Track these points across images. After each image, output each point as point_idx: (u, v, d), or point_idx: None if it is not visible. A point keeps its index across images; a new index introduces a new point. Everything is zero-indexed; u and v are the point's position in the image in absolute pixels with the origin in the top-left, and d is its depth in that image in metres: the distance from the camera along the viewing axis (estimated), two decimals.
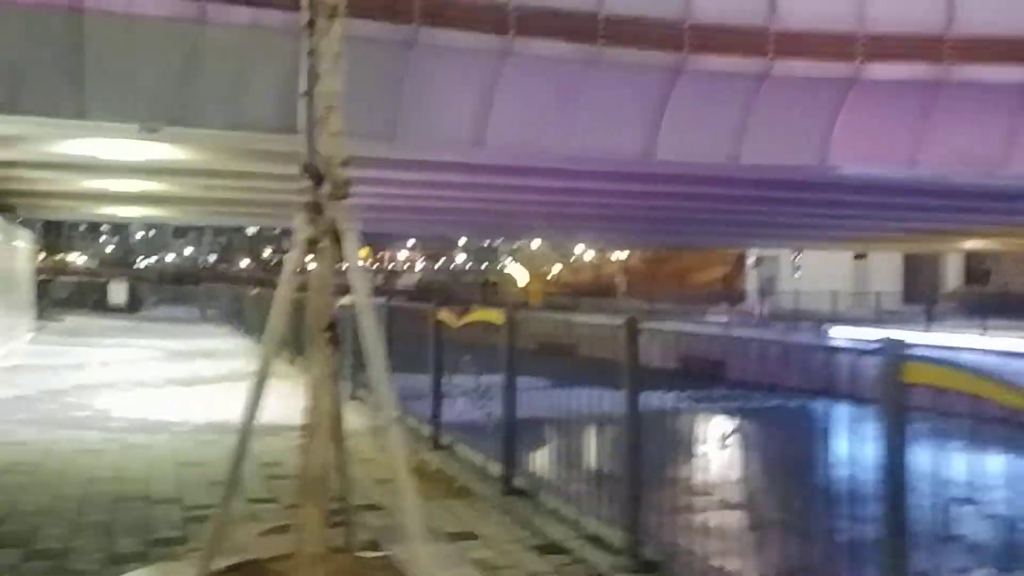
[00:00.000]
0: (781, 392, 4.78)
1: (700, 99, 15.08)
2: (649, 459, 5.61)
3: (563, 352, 7.17)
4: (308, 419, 3.90)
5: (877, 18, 15.33)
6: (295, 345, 11.36)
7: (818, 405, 4.41)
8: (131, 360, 18.96)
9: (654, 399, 5.59)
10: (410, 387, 8.99)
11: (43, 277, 36.04)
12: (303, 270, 4.03)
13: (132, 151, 15.27)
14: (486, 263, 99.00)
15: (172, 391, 13.94)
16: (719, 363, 5.07)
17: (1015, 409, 3.33)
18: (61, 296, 42.21)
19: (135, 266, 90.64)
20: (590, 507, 6.06)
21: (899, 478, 3.76)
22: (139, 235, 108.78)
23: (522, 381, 7.41)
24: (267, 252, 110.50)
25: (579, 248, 70.82)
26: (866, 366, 3.90)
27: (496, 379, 7.75)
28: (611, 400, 5.91)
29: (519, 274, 77.42)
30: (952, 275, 44.18)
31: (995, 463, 3.97)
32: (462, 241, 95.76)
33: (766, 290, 41.97)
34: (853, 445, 4.09)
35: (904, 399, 3.73)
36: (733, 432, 5.29)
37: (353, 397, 10.74)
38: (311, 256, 3.93)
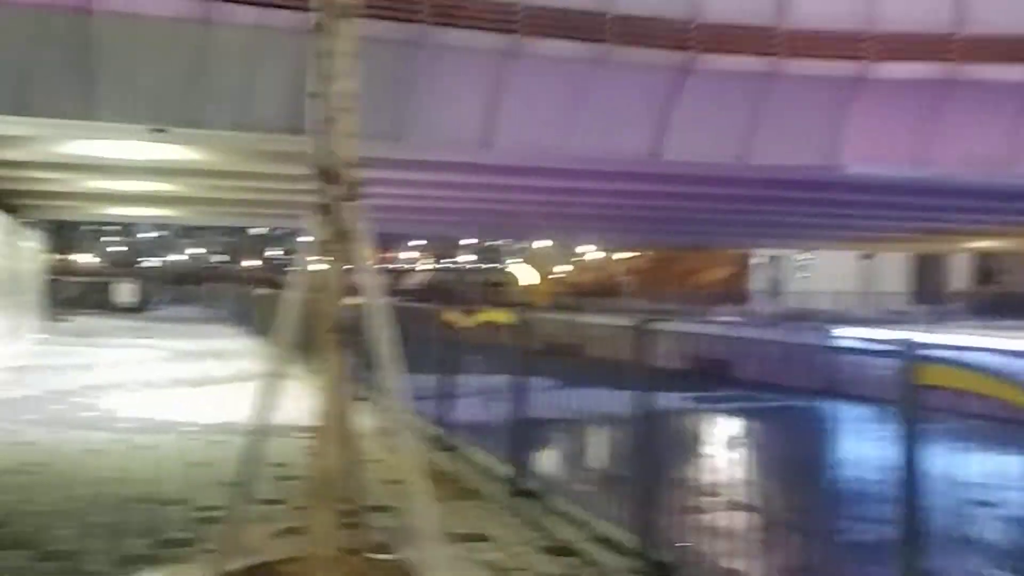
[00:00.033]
0: (792, 393, 4.75)
1: (708, 99, 15.03)
2: (660, 460, 5.59)
3: (572, 353, 7.15)
4: (319, 421, 3.88)
5: (886, 17, 15.27)
6: (302, 345, 11.36)
7: (831, 407, 4.38)
8: (139, 360, 18.99)
9: (664, 400, 5.57)
10: (417, 387, 8.97)
11: (51, 277, 36.08)
12: (313, 271, 4.01)
13: (139, 151, 15.26)
14: (491, 263, 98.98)
15: (180, 391, 13.95)
16: (730, 364, 5.04)
17: None
18: (69, 296, 42.28)
19: (142, 266, 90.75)
20: (600, 509, 6.04)
21: (915, 480, 3.73)
22: (146, 235, 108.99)
23: (531, 382, 7.39)
24: (273, 252, 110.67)
25: (584, 248, 70.74)
26: (882, 367, 3.87)
27: (504, 380, 7.74)
28: (621, 401, 5.89)
29: (524, 274, 77.37)
30: (959, 275, 44.05)
31: (1012, 465, 3.94)
32: (467, 241, 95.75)
33: (772, 290, 41.88)
34: (868, 446, 4.06)
35: (920, 401, 3.71)
36: (741, 432, 5.27)
37: (359, 398, 10.74)
38: (323, 257, 3.92)
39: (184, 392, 13.90)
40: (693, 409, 5.62)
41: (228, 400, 12.83)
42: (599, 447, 6.51)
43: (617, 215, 25.84)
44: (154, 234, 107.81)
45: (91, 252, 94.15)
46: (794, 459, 5.31)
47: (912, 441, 3.75)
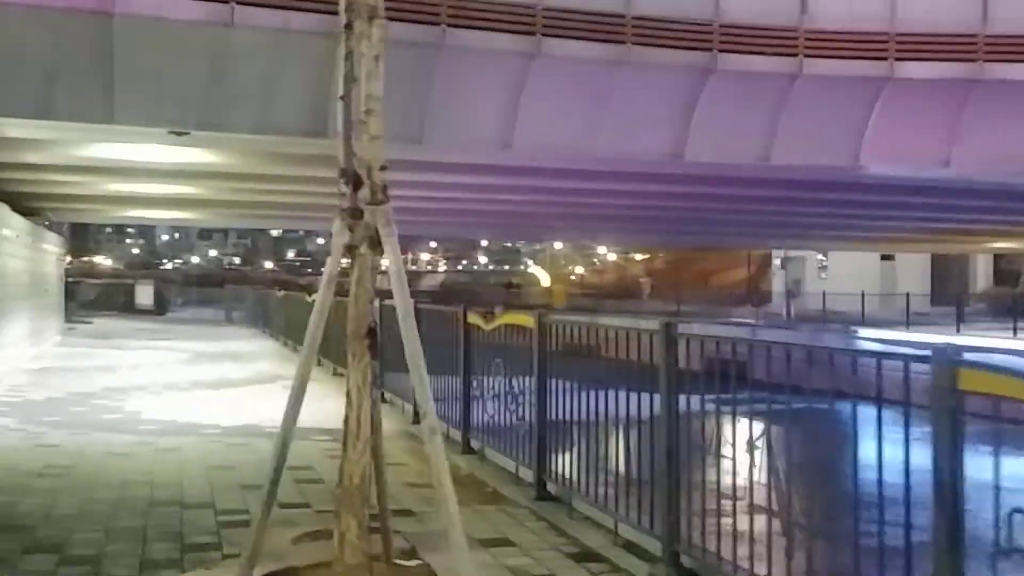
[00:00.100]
0: (820, 396, 4.69)
1: (730, 99, 14.94)
2: (686, 464, 5.54)
3: (595, 355, 7.09)
4: (347, 427, 3.85)
5: (909, 17, 15.14)
6: (323, 347, 11.35)
7: (864, 411, 4.31)
8: (159, 362, 19.06)
9: (690, 402, 5.51)
10: (438, 390, 8.93)
11: (71, 279, 36.32)
12: (340, 275, 3.98)
13: (160, 154, 15.31)
14: (508, 264, 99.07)
15: (200, 393, 13.98)
16: (759, 367, 4.98)
17: None
18: (88, 298, 42.59)
19: (160, 268, 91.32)
20: (625, 513, 5.98)
21: (956, 487, 3.66)
22: (165, 237, 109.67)
23: (553, 384, 7.34)
24: (291, 254, 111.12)
25: (602, 249, 70.70)
26: (921, 372, 3.81)
27: (526, 382, 7.70)
28: (645, 403, 5.84)
29: (542, 275, 77.36)
30: (980, 276, 43.72)
31: None
32: (485, 242, 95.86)
33: (793, 291, 41.67)
34: (905, 452, 3.99)
35: (959, 407, 3.64)
36: (769, 436, 5.21)
37: (381, 400, 10.72)
38: (350, 261, 3.89)
39: (204, 394, 13.93)
40: (719, 412, 5.55)
41: (248, 402, 12.86)
42: (623, 450, 6.44)
43: (637, 216, 25.76)
44: (174, 236, 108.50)
45: (110, 254, 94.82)
46: (825, 464, 5.24)
47: (953, 447, 3.69)
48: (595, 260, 78.19)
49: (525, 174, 17.77)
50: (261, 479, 7.71)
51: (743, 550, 4.98)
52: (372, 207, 3.82)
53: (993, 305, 35.86)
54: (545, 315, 7.64)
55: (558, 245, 69.17)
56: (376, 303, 4.26)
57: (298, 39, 12.67)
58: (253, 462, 8.63)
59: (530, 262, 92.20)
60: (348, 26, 3.88)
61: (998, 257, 41.88)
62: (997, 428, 3.88)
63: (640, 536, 5.76)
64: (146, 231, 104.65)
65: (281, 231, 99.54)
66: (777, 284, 50.43)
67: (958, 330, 29.30)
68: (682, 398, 5.47)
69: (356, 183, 3.87)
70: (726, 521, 5.15)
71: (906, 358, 3.89)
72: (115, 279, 60.84)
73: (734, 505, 5.31)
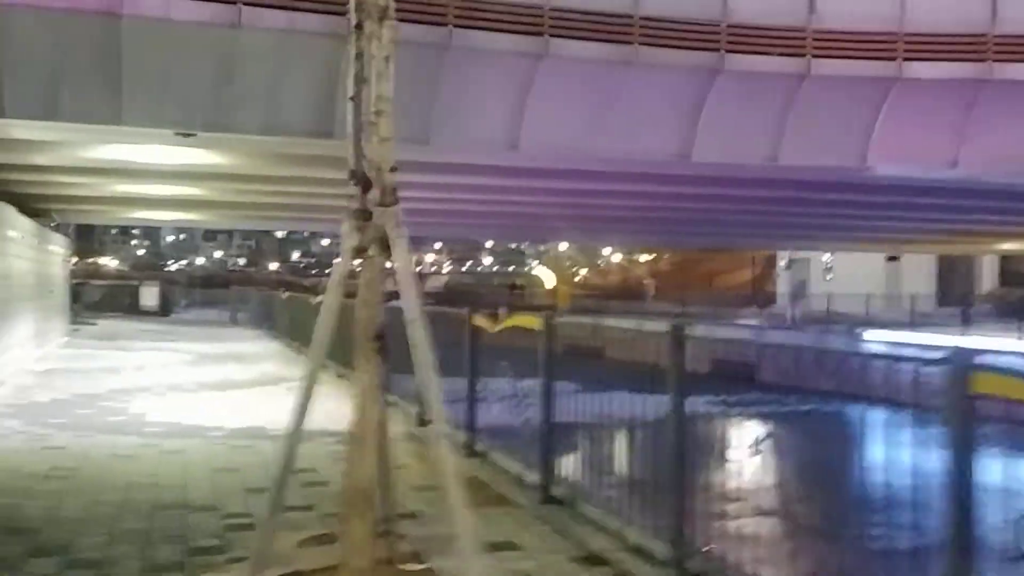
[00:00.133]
0: (829, 398, 4.65)
1: (737, 100, 14.88)
2: (693, 467, 5.50)
3: (601, 357, 7.06)
4: (355, 430, 3.82)
5: (917, 17, 15.07)
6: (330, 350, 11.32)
7: (876, 413, 4.28)
8: (164, 364, 19.05)
9: (698, 405, 5.48)
10: (444, 392, 8.89)
11: (76, 281, 36.35)
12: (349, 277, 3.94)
13: (167, 155, 15.30)
14: (513, 266, 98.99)
15: (205, 395, 13.97)
16: (769, 370, 4.95)
17: None
18: (94, 299, 42.61)
19: (165, 270, 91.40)
20: (632, 517, 5.94)
21: (967, 490, 3.63)
22: (170, 239, 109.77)
23: (559, 386, 7.31)
24: (295, 255, 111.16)
25: (606, 250, 70.59)
26: (931, 375, 3.78)
27: (532, 384, 7.66)
28: (652, 406, 5.80)
29: (546, 277, 77.28)
30: (986, 277, 43.58)
31: None
32: (489, 244, 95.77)
33: (798, 293, 41.56)
34: (919, 454, 3.96)
35: (972, 410, 3.61)
36: (778, 439, 5.18)
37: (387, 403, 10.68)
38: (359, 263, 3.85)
39: (209, 396, 13.92)
40: (727, 414, 5.52)
41: (252, 404, 12.84)
42: (630, 453, 6.41)
43: (644, 217, 25.70)
44: (177, 237, 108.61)
45: (115, 256, 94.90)
46: (834, 466, 5.21)
47: (965, 450, 3.66)
48: (599, 262, 78.10)
49: (531, 175, 17.72)
50: (266, 482, 7.71)
51: (752, 554, 4.95)
52: (382, 209, 3.78)
53: (999, 306, 35.76)
54: (551, 317, 7.61)
55: (563, 246, 69.10)
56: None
57: (304, 40, 12.64)
58: (258, 464, 8.61)
59: (535, 263, 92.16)
60: (358, 27, 3.85)
61: (1004, 258, 41.73)
62: (1011, 431, 3.85)
63: (647, 540, 5.71)
64: (151, 232, 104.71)
65: (286, 232, 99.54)
66: (782, 285, 50.31)
67: (964, 331, 29.22)
68: (690, 400, 5.44)
69: (366, 185, 3.83)
70: (734, 525, 5.12)
71: (920, 361, 3.85)
72: (120, 280, 60.88)
73: (743, 508, 5.28)
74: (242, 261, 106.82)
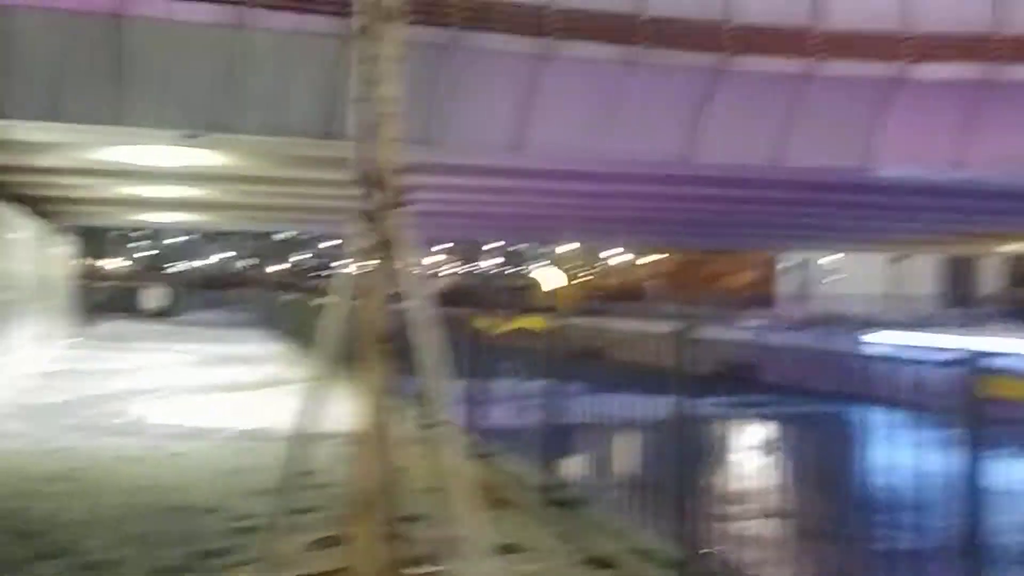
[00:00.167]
0: (837, 400, 4.63)
1: (742, 101, 14.85)
2: (700, 469, 5.48)
3: (606, 359, 7.04)
4: (361, 433, 3.80)
5: (923, 18, 15.03)
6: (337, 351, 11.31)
7: (885, 416, 4.25)
8: (168, 365, 19.05)
9: (705, 406, 5.45)
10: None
11: (81, 282, 36.34)
12: (357, 278, 3.92)
13: (171, 157, 15.29)
14: (516, 267, 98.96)
15: (210, 397, 13.97)
16: (776, 371, 4.92)
17: None
18: (98, 301, 42.58)
19: (170, 271, 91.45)
20: (638, 519, 5.92)
21: (977, 492, 3.61)
22: (173, 240, 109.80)
23: (564, 388, 7.29)
24: (299, 257, 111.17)
25: (608, 252, 70.51)
26: (942, 377, 3.76)
27: (537, 386, 7.64)
28: (659, 407, 5.78)
29: (549, 278, 77.23)
30: (990, 278, 43.50)
31: None
32: (491, 245, 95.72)
33: (801, 294, 41.51)
34: (930, 456, 3.94)
35: (983, 413, 3.60)
36: (785, 441, 5.15)
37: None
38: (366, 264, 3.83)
39: (214, 398, 13.91)
40: (735, 416, 5.49)
41: (257, 406, 12.83)
42: (636, 455, 6.39)
43: (648, 218, 25.67)
44: (181, 239, 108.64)
45: (119, 257, 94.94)
46: (843, 469, 5.18)
47: (976, 452, 3.65)
48: (602, 263, 78.02)
49: (536, 176, 17.70)
50: (270, 484, 7.70)
51: (761, 557, 4.92)
52: (390, 210, 3.77)
53: (1004, 307, 35.70)
54: (554, 319, 7.60)
55: (565, 248, 69.04)
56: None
57: (309, 41, 12.64)
58: (263, 467, 8.58)
59: (537, 265, 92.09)
60: (366, 28, 3.84)
61: (1009, 259, 41.64)
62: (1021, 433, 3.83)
63: (656, 542, 5.69)
64: (155, 234, 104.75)
65: (290, 234, 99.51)
66: (785, 287, 50.26)
67: (969, 333, 29.14)
68: (695, 401, 5.41)
69: (374, 186, 3.81)
70: (741, 527, 5.09)
71: (934, 364, 3.83)
72: (124, 282, 60.92)
73: (749, 512, 5.25)
74: (246, 263, 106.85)
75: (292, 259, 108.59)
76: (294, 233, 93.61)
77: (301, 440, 3.85)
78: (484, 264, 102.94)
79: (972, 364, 3.66)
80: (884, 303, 37.36)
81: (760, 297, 48.99)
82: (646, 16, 14.07)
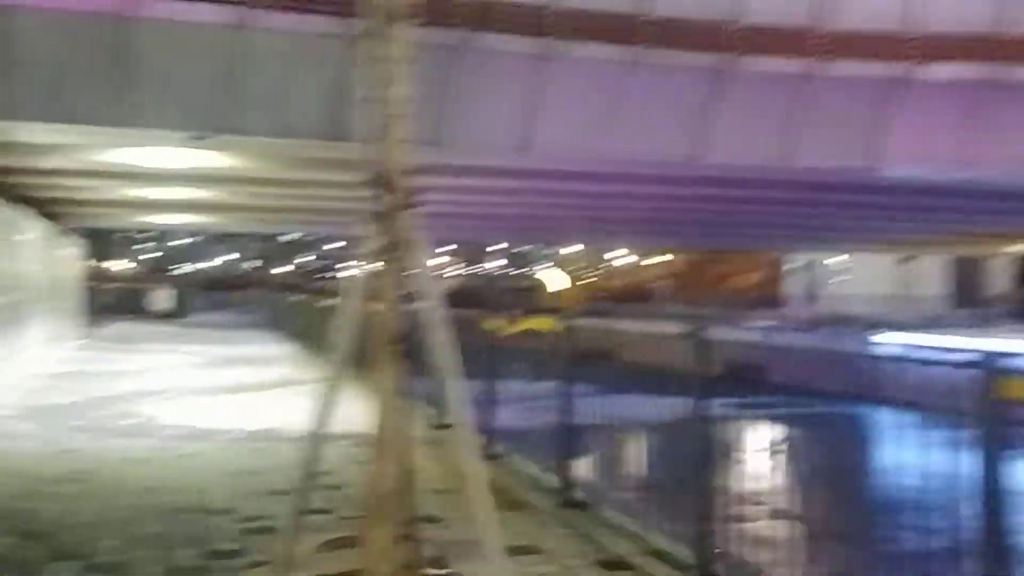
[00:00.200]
0: (857, 402, 4.61)
1: (748, 101, 14.82)
2: (715, 470, 5.46)
3: (619, 359, 7.02)
4: (376, 435, 3.79)
5: (930, 18, 14.99)
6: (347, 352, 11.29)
7: (898, 417, 4.23)
8: (177, 366, 19.07)
9: (720, 407, 5.44)
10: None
11: (88, 284, 36.41)
12: (368, 280, 3.91)
13: (177, 158, 15.31)
14: (520, 268, 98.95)
15: (219, 398, 13.96)
16: (791, 372, 4.90)
17: None
18: (106, 303, 42.67)
19: (176, 273, 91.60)
20: (652, 520, 5.90)
21: (995, 495, 3.59)
22: (180, 242, 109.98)
23: (576, 389, 7.29)
24: (305, 258, 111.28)
25: (614, 252, 70.47)
26: (958, 378, 3.74)
27: (549, 387, 7.63)
28: (673, 408, 5.77)
29: (554, 279, 77.21)
30: (1000, 278, 43.38)
31: None
32: (497, 246, 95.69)
33: (810, 294, 41.45)
34: (946, 459, 3.92)
35: (1002, 414, 3.57)
36: (801, 443, 5.13)
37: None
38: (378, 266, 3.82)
39: (222, 399, 13.92)
40: (746, 417, 5.47)
41: (266, 407, 12.84)
42: (650, 456, 6.38)
43: (654, 219, 25.66)
44: (187, 240, 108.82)
45: (126, 259, 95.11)
46: (854, 470, 5.16)
47: (993, 454, 3.62)
48: (608, 263, 77.97)
49: (542, 177, 17.69)
50: (282, 484, 7.71)
51: (774, 558, 4.91)
52: (401, 211, 3.76)
53: (1012, 307, 35.60)
54: (567, 319, 7.59)
55: (571, 249, 69.00)
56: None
57: (314, 42, 12.64)
58: (273, 467, 8.59)
59: (542, 266, 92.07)
60: (376, 29, 3.83)
61: (1019, 259, 41.52)
62: None
63: (670, 544, 5.68)
64: (162, 236, 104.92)
65: (296, 235, 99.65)
66: (793, 287, 50.18)
67: (979, 333, 29.06)
68: (708, 403, 5.39)
69: (385, 187, 3.80)
70: (761, 529, 5.07)
71: (952, 365, 3.81)
72: (132, 284, 61.05)
73: (763, 513, 5.23)
74: (252, 264, 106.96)
75: (297, 261, 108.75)
76: (300, 235, 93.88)
77: (315, 441, 3.84)
78: (487, 265, 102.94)
79: (989, 365, 3.63)
80: (891, 304, 37.27)
81: (767, 298, 48.92)
82: (651, 16, 14.05)
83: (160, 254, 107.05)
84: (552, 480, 7.40)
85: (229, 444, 9.97)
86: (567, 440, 7.21)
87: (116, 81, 12.02)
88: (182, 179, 18.02)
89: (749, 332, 25.94)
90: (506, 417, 8.77)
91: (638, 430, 6.57)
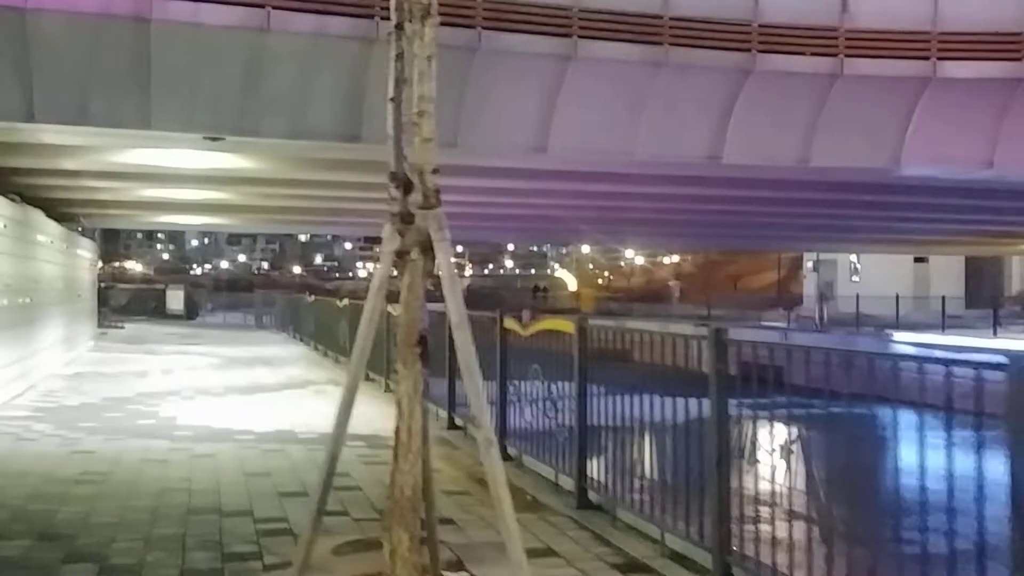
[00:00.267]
0: (868, 401, 4.55)
1: (769, 100, 14.69)
2: (739, 471, 5.41)
3: (637, 360, 6.96)
4: (398, 437, 3.74)
5: (952, 16, 14.84)
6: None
7: (923, 419, 4.16)
8: (191, 367, 19.11)
9: (734, 408, 5.38)
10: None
11: (103, 285, 36.58)
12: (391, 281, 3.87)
13: (194, 160, 15.32)
14: (535, 269, 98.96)
15: (234, 399, 13.97)
16: (813, 374, 4.83)
17: None
18: (120, 303, 42.88)
19: (190, 273, 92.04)
20: (672, 523, 5.84)
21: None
22: (194, 243, 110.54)
23: (594, 389, 7.24)
24: (318, 259, 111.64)
25: (629, 253, 70.40)
26: (987, 380, 3.68)
27: (565, 387, 7.59)
28: (693, 409, 5.71)
29: (569, 279, 77.21)
30: (1015, 278, 43.09)
31: None
32: (511, 246, 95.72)
33: (825, 295, 41.24)
34: (961, 460, 3.87)
35: None
36: (824, 444, 5.07)
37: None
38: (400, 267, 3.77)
39: (237, 399, 13.93)
40: (764, 417, 5.41)
41: (281, 407, 12.84)
42: (668, 457, 6.31)
43: (672, 219, 25.56)
44: (202, 241, 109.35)
45: (141, 260, 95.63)
46: (878, 472, 5.10)
47: (1021, 455, 3.56)
48: (621, 263, 77.89)
49: (560, 178, 17.63)
50: (298, 486, 7.71)
51: (794, 560, 4.84)
52: (424, 211, 3.71)
53: None
54: (585, 320, 7.54)
55: (585, 249, 68.93)
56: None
57: (332, 43, 12.61)
58: (289, 468, 8.59)
59: (557, 266, 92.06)
60: (399, 26, 3.78)
61: None
62: None
63: (688, 547, 5.62)
64: (176, 236, 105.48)
65: (309, 236, 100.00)
66: (808, 287, 49.96)
67: (995, 333, 28.87)
68: (729, 403, 5.34)
69: (407, 187, 3.76)
70: (782, 532, 5.01)
71: (979, 366, 3.75)
72: (146, 284, 61.35)
73: (782, 515, 5.17)
74: (265, 265, 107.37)
75: (314, 261, 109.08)
76: (315, 235, 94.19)
77: (336, 445, 3.80)
78: (504, 265, 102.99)
79: (1018, 366, 3.58)
80: (910, 304, 37.05)
81: (785, 298, 48.74)
82: (672, 15, 13.96)
83: (175, 254, 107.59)
84: (568, 482, 7.35)
85: (245, 445, 9.96)
86: (585, 441, 7.16)
87: (134, 83, 12.03)
88: (199, 180, 18.05)
89: (767, 332, 25.83)
90: (521, 417, 8.73)
91: (656, 431, 6.50)
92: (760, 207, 22.16)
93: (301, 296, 30.84)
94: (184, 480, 8.05)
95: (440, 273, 3.67)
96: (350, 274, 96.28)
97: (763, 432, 5.49)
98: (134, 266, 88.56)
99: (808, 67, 14.62)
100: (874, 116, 15.21)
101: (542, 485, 7.71)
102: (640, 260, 73.62)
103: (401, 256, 3.74)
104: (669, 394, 6.11)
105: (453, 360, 9.16)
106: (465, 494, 7.46)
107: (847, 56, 14.64)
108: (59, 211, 19.79)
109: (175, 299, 45.87)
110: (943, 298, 33.78)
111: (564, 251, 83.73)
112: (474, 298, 49.95)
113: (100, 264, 34.27)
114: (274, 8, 12.08)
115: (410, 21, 3.84)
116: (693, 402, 5.74)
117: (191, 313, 44.57)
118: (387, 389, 12.63)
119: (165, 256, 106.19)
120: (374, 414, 9.49)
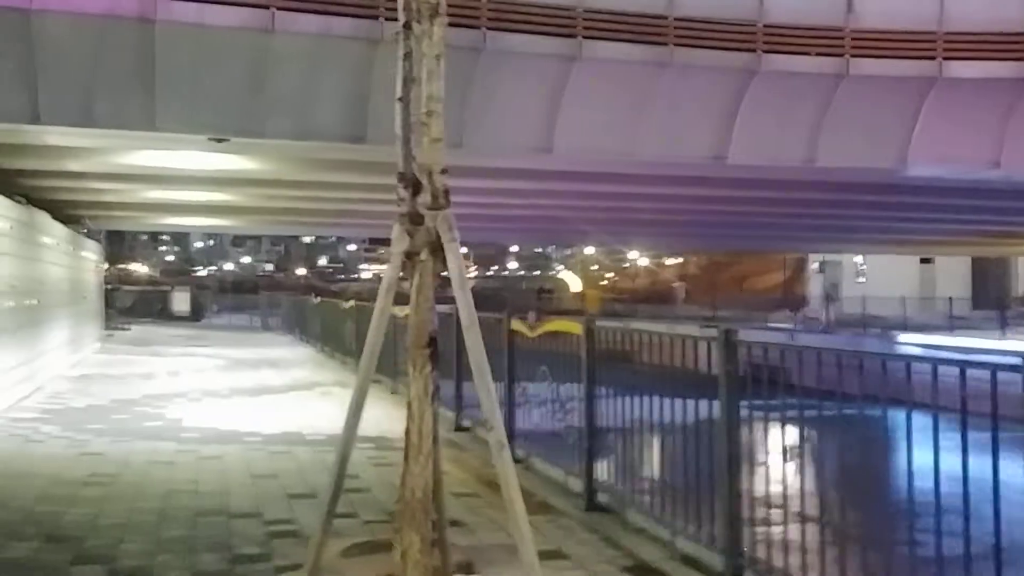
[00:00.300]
0: (876, 402, 4.52)
1: (773, 100, 14.65)
2: (751, 473, 5.38)
3: (646, 361, 6.93)
4: (408, 439, 3.72)
5: (958, 16, 14.79)
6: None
7: (927, 419, 4.13)
8: (197, 369, 19.11)
9: (743, 409, 5.35)
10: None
11: (109, 286, 36.61)
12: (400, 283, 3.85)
13: (199, 161, 15.31)
14: (539, 270, 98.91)
15: (240, 401, 13.96)
16: (824, 376, 4.80)
17: None
18: (126, 305, 42.94)
19: (195, 275, 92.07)
20: (683, 525, 5.81)
21: None
22: (199, 244, 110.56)
23: (602, 391, 7.21)
24: (323, 260, 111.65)
25: (633, 254, 70.32)
26: (1003, 382, 3.65)
27: (574, 389, 7.56)
28: (703, 411, 5.68)
29: (574, 281, 77.16)
30: (1022, 279, 42.98)
31: None
32: (515, 248, 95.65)
33: (831, 296, 41.17)
34: (980, 462, 3.84)
35: None
36: (836, 446, 5.05)
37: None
38: (409, 268, 3.76)
39: (244, 401, 13.92)
40: (773, 419, 5.38)
41: (287, 409, 12.83)
42: (678, 459, 6.28)
43: (676, 220, 25.51)
44: (207, 243, 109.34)
45: (146, 261, 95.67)
46: (889, 474, 5.07)
47: None
48: (626, 265, 77.80)
49: (564, 178, 17.60)
50: (306, 488, 7.69)
51: (804, 562, 4.81)
52: (433, 212, 3.69)
53: None
54: (593, 321, 7.51)
55: (589, 250, 68.87)
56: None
57: (337, 44, 12.60)
58: (296, 470, 8.58)
59: (561, 267, 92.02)
60: (407, 26, 3.77)
61: None
62: None
63: (699, 549, 5.59)
64: (180, 238, 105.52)
65: (313, 238, 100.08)
66: (814, 288, 49.87)
67: (1003, 334, 28.82)
68: (738, 404, 5.32)
69: (416, 187, 3.74)
70: (793, 535, 4.98)
71: (995, 367, 3.72)
72: (151, 286, 61.42)
73: (792, 517, 5.14)
74: (270, 266, 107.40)
75: (318, 262, 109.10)
76: (320, 237, 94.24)
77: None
78: (508, 267, 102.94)
79: None
80: (915, 305, 36.97)
81: (791, 299, 48.66)
82: (676, 15, 13.92)
83: (180, 256, 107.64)
84: (576, 484, 7.32)
85: (252, 446, 9.95)
86: (594, 443, 7.14)
87: (139, 84, 12.01)
88: (203, 181, 18.04)
89: (774, 333, 25.77)
90: (529, 419, 8.71)
91: (664, 432, 6.47)
92: (765, 208, 22.11)
93: (307, 298, 30.85)
94: (191, 482, 8.04)
95: (450, 274, 3.65)
96: (355, 276, 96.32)
97: (770, 432, 5.46)
98: (139, 268, 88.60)
99: (813, 67, 14.57)
100: (880, 116, 15.16)
101: (551, 487, 7.68)
102: (644, 261, 73.50)
103: (410, 257, 3.73)
104: (678, 396, 6.09)
105: (460, 361, 9.14)
106: (474, 496, 7.44)
107: (852, 56, 14.59)
108: (64, 213, 19.79)
109: (181, 301, 45.92)
110: (950, 299, 33.72)
111: (568, 252, 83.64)
112: (478, 300, 49.86)
113: (105, 266, 34.29)
114: (278, 9, 12.06)
115: (418, 21, 3.83)
116: (702, 404, 5.71)
117: (196, 315, 44.62)
118: (393, 391, 12.62)
119: (170, 258, 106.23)
120: (381, 416, 9.49)
